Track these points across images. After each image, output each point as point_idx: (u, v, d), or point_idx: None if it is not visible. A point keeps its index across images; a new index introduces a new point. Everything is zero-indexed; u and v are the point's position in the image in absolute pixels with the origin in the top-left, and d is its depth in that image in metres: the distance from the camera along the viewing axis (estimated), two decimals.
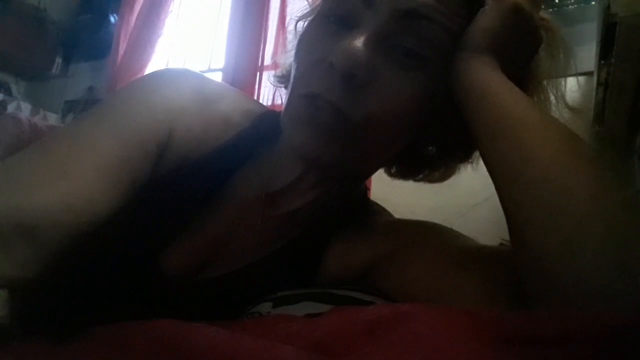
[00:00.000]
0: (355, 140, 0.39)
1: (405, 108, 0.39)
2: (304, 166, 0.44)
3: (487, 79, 0.37)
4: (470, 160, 0.49)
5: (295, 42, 0.45)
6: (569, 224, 0.28)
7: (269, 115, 0.49)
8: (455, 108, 0.40)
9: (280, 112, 0.44)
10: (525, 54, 0.41)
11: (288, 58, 0.51)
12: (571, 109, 0.44)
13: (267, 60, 1.87)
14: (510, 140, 0.33)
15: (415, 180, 0.53)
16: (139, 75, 2.12)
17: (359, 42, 0.36)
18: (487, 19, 0.38)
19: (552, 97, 0.44)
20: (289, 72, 0.49)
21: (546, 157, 0.31)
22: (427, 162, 0.50)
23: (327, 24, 0.41)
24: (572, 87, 0.46)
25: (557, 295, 0.28)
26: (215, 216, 0.45)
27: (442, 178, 0.52)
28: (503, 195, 0.34)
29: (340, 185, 0.47)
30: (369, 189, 1.01)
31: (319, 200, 0.46)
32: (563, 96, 0.44)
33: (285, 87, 0.50)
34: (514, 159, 0.32)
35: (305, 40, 0.43)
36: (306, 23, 0.47)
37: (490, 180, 0.36)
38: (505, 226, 0.34)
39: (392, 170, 0.53)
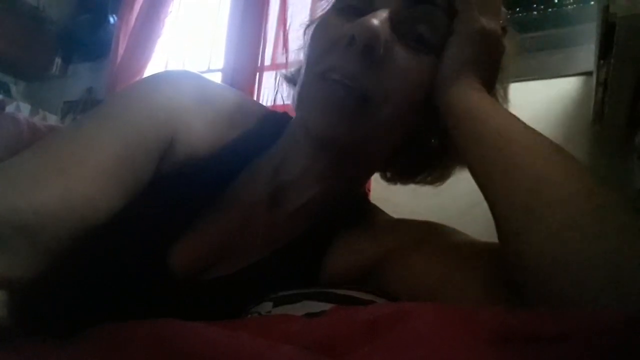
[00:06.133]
0: (368, 118, 0.40)
1: (414, 89, 0.41)
2: (315, 148, 0.44)
3: (468, 100, 0.39)
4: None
5: (305, 40, 0.47)
6: (559, 230, 0.28)
7: (272, 116, 0.50)
8: None
9: (283, 113, 0.45)
10: (492, 65, 0.44)
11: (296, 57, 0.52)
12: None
13: (267, 61, 1.87)
14: (496, 157, 0.34)
15: (412, 182, 0.53)
16: (139, 76, 2.12)
17: (378, 19, 0.38)
18: (459, 47, 0.41)
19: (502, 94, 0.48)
20: (298, 70, 0.50)
21: (534, 170, 0.32)
22: (426, 160, 0.51)
23: (341, 15, 0.43)
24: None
25: (554, 299, 0.28)
26: (220, 215, 0.45)
27: (439, 179, 0.52)
28: (492, 207, 0.34)
29: (344, 182, 0.48)
30: (369, 191, 1.01)
31: (322, 197, 0.46)
32: (506, 95, 0.49)
33: (294, 85, 0.50)
34: (501, 177, 0.33)
35: (320, 28, 0.45)
36: (317, 22, 0.48)
37: None
38: None
39: (388, 175, 0.54)
